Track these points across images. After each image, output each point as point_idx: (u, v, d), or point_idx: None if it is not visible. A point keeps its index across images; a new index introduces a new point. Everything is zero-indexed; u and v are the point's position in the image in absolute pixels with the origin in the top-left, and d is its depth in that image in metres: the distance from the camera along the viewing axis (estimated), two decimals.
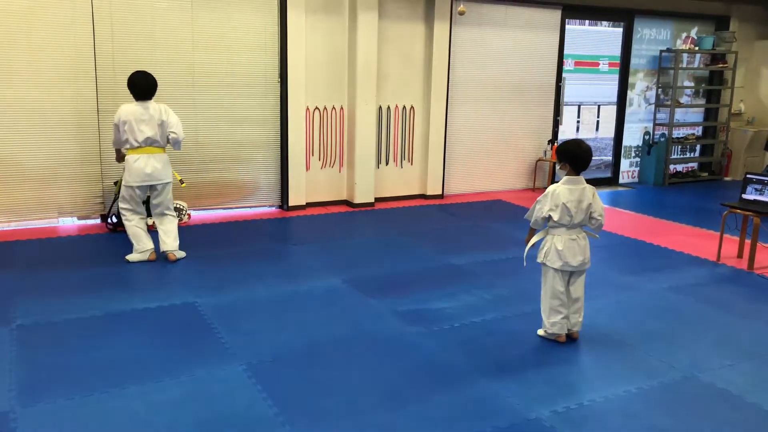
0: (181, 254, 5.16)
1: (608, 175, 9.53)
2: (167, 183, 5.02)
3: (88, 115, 5.96)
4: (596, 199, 3.77)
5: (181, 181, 5.36)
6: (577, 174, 3.74)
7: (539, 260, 3.84)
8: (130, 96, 4.95)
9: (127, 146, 4.91)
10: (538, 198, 3.78)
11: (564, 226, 3.72)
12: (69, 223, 6.16)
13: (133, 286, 4.58)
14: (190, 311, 4.14)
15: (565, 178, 3.75)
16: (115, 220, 5.92)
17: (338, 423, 2.93)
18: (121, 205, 5.04)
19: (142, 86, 4.89)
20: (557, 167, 3.83)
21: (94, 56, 5.90)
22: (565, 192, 3.69)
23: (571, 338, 3.88)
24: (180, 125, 5.02)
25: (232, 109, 6.59)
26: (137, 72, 4.96)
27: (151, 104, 4.92)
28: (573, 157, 3.73)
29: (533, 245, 3.91)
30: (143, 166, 4.88)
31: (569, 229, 3.72)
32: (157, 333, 3.83)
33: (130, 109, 4.88)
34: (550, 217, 3.73)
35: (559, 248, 3.72)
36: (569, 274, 3.80)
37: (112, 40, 5.95)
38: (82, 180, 6.06)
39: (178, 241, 5.14)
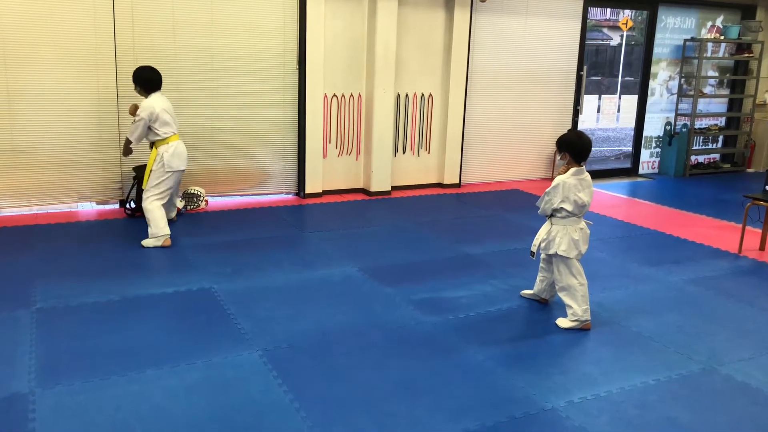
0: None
1: (628, 165, 9.42)
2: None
3: (107, 101, 6.00)
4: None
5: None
6: (580, 164, 3.82)
7: (551, 252, 3.86)
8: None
9: (167, 134, 5.16)
10: (546, 190, 3.85)
11: (576, 215, 3.80)
12: (88, 208, 6.22)
13: (150, 271, 4.62)
14: (207, 297, 4.17)
15: (572, 169, 3.80)
16: (133, 205, 5.96)
17: (353, 410, 2.93)
18: (160, 193, 5.17)
19: (159, 78, 5.23)
20: (558, 157, 3.86)
21: (115, 42, 5.93)
22: (576, 183, 3.76)
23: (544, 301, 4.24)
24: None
25: (250, 96, 6.60)
26: (148, 66, 5.26)
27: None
28: (575, 147, 3.80)
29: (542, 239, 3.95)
30: (183, 150, 5.25)
31: (579, 218, 3.83)
32: (174, 318, 3.86)
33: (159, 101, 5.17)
34: (562, 209, 3.79)
35: (576, 238, 3.81)
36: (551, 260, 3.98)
37: (133, 26, 5.97)
38: (101, 165, 6.11)
39: None
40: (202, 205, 6.37)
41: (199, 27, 6.24)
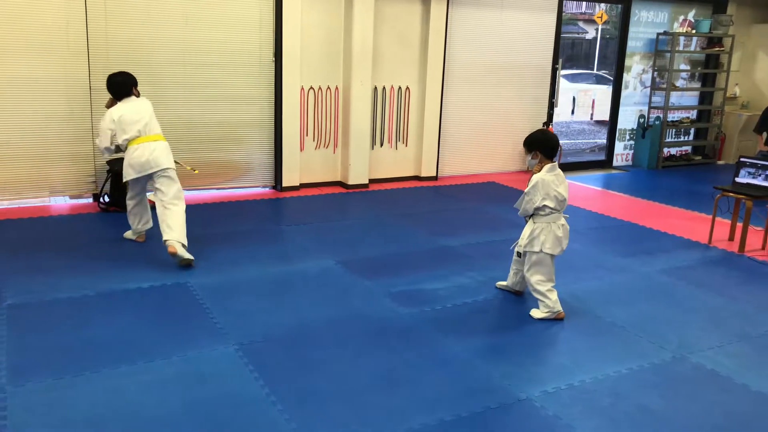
0: (187, 256, 4.50)
1: (602, 158, 9.53)
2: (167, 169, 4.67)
3: (80, 93, 5.89)
4: None
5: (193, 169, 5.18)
6: (552, 160, 3.88)
7: (536, 249, 3.85)
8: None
9: (125, 142, 4.68)
10: (526, 189, 3.87)
11: (558, 211, 3.84)
12: (61, 202, 6.13)
13: (125, 265, 4.56)
14: (182, 291, 4.13)
15: (547, 166, 3.85)
16: (107, 199, 5.88)
17: (330, 403, 2.94)
18: (129, 196, 4.91)
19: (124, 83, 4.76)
20: (528, 157, 3.95)
21: (87, 34, 5.82)
22: (553, 179, 3.81)
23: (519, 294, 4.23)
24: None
25: (226, 89, 6.53)
26: (118, 73, 4.81)
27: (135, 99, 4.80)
28: (544, 144, 3.85)
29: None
30: (140, 155, 4.64)
31: (560, 214, 3.86)
32: (149, 313, 3.82)
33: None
34: (545, 206, 3.81)
35: (559, 235, 3.85)
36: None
37: (105, 17, 5.86)
38: (74, 159, 6.00)
39: (185, 234, 4.56)
40: None
41: (173, 18, 6.15)
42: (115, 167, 5.82)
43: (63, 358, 3.22)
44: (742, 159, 5.71)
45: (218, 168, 6.68)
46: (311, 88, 6.96)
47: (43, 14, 5.64)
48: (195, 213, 5.95)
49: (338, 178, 7.35)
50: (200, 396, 2.95)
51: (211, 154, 6.60)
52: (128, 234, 5.09)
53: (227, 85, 6.52)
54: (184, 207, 4.67)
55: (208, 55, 6.37)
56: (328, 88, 7.07)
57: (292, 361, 3.30)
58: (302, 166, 7.04)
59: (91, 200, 6.17)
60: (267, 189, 7.00)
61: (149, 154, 4.63)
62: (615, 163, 9.40)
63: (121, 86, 4.77)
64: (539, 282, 3.90)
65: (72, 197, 6.17)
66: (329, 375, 3.18)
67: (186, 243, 4.55)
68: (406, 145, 7.67)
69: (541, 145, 3.87)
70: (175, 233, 4.50)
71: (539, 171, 3.87)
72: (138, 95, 4.86)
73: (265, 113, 6.79)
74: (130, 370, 3.13)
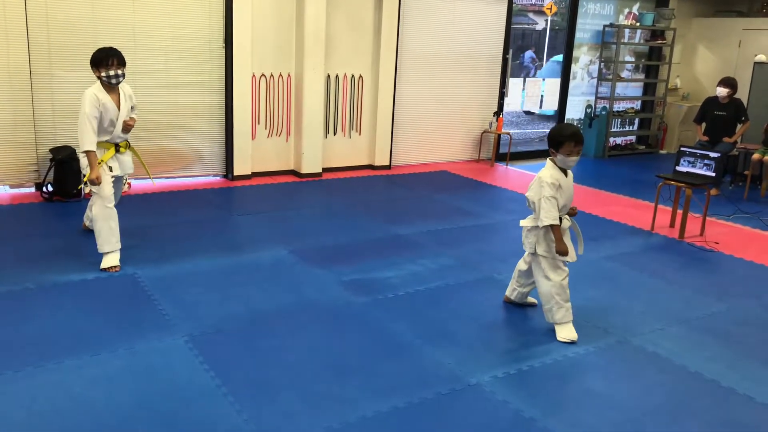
0: (105, 264, 4.23)
1: None
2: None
3: (19, 77, 5.65)
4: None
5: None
6: (555, 154, 3.55)
7: (569, 259, 3.59)
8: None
9: None
10: (544, 196, 3.49)
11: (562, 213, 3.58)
12: (0, 192, 5.89)
13: (69, 257, 4.42)
14: (130, 283, 4.04)
15: (553, 161, 3.57)
16: (50, 188, 5.69)
17: (282, 393, 2.94)
18: None
19: None
20: (552, 155, 3.54)
21: (26, 13, 5.58)
22: (562, 178, 3.56)
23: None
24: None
25: (175, 75, 6.37)
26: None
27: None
28: (550, 139, 3.52)
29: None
30: None
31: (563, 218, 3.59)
32: (95, 305, 3.72)
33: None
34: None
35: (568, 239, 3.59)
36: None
37: None
38: (13, 146, 5.76)
39: (101, 249, 4.24)
40: (125, 188, 6.13)
41: (119, 0, 5.96)
42: (57, 155, 5.64)
43: (3, 354, 3.11)
44: (682, 148, 5.93)
45: (167, 156, 6.53)
46: (263, 75, 6.86)
47: None
48: (144, 202, 5.82)
49: (291, 167, 7.29)
50: (149, 389, 2.90)
51: (160, 142, 6.45)
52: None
53: (176, 71, 6.37)
54: (97, 213, 4.23)
55: (156, 39, 6.20)
56: (281, 75, 6.98)
57: (244, 352, 3.27)
58: (254, 155, 6.95)
59: (33, 189, 5.95)
60: (218, 178, 6.88)
61: None
62: None
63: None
64: (552, 296, 3.65)
65: (12, 186, 5.94)
66: (281, 365, 3.17)
67: (102, 250, 4.22)
68: (360, 134, 7.66)
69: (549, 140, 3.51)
70: (99, 247, 4.23)
71: None
72: (99, 79, 4.20)
73: (216, 100, 6.66)
74: (75, 365, 3.05)
